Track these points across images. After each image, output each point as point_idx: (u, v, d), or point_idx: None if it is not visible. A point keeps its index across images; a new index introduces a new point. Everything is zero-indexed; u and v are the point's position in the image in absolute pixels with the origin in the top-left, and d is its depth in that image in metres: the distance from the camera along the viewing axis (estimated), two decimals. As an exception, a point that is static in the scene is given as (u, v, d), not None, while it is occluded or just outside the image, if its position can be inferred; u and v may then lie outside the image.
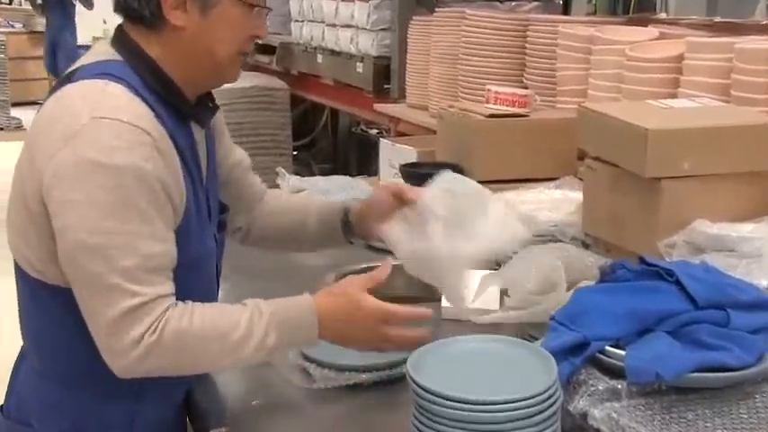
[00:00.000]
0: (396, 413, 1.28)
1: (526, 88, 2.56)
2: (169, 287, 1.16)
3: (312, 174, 4.85)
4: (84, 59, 1.24)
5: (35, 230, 1.18)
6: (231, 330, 1.16)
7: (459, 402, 1.02)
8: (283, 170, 2.46)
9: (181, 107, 1.23)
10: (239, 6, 1.23)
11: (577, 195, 1.95)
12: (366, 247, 2.09)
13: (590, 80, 2.36)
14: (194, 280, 1.24)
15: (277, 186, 2.43)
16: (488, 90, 2.31)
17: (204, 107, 1.31)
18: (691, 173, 1.61)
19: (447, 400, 1.03)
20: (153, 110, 1.17)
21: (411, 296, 1.95)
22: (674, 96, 2.04)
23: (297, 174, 2.71)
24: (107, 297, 1.11)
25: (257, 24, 1.26)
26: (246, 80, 4.79)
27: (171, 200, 1.17)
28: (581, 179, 2.01)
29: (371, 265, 1.98)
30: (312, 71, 4.45)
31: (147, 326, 1.12)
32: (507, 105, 2.27)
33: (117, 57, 1.22)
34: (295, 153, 5.30)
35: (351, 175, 2.86)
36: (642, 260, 1.33)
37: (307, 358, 1.40)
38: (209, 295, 1.30)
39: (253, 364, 1.25)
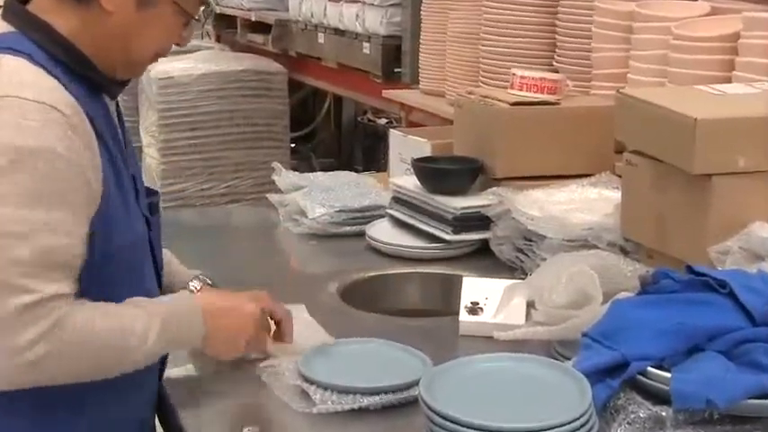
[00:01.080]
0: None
1: (556, 72, 2.55)
2: (67, 285, 1.18)
3: (312, 169, 4.85)
4: None
5: None
6: (127, 338, 1.22)
7: (479, 430, 1.01)
8: (279, 165, 2.46)
9: (91, 77, 1.26)
10: (178, 15, 1.30)
11: (615, 194, 1.94)
12: (370, 251, 2.10)
13: (630, 62, 2.35)
14: (124, 270, 1.27)
15: (273, 183, 2.43)
16: (513, 74, 2.30)
17: (113, 79, 1.33)
18: (746, 169, 1.60)
19: (464, 427, 1.02)
20: (60, 82, 1.20)
21: (426, 309, 1.96)
22: (727, 80, 2.03)
23: (295, 169, 2.71)
24: (2, 291, 1.13)
25: (186, 35, 1.35)
26: (238, 62, 4.81)
27: (87, 185, 1.20)
28: (619, 176, 2.00)
29: (377, 273, 2.01)
30: (312, 53, 4.46)
31: (44, 330, 1.14)
32: (535, 92, 2.26)
33: (10, 29, 1.25)
34: (293, 145, 5.31)
35: (356, 171, 2.86)
36: (690, 269, 1.32)
37: (306, 379, 1.40)
38: (143, 285, 1.32)
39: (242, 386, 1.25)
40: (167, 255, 1.53)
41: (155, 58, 1.33)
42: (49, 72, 1.20)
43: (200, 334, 1.32)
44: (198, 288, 1.52)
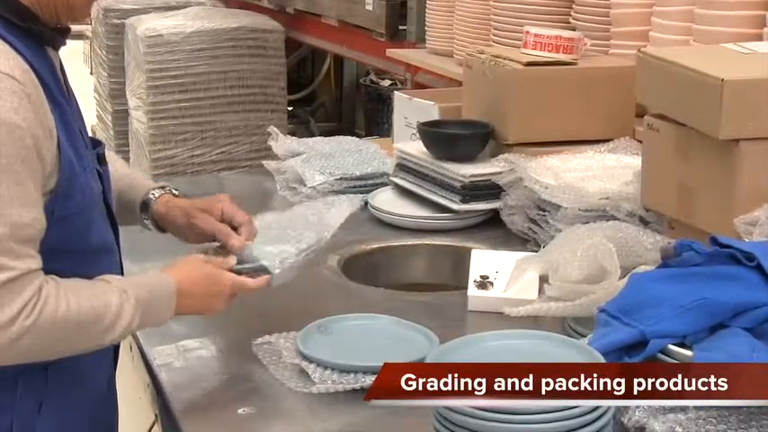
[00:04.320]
0: (411, 424, 1.28)
1: (573, 30, 2.53)
2: (38, 260, 1.21)
3: (311, 134, 4.85)
4: None
5: None
6: (104, 314, 1.26)
7: (488, 412, 1.02)
8: (276, 130, 2.46)
9: (34, 29, 1.26)
10: None
11: (635, 161, 1.94)
12: (373, 221, 2.10)
13: (652, 19, 2.33)
14: (85, 225, 1.30)
15: (269, 149, 2.43)
16: (527, 32, 2.29)
17: (57, 29, 1.33)
18: (776, 134, 1.60)
19: (474, 407, 1.02)
20: (6, 41, 1.20)
21: (433, 283, 1.96)
22: (757, 38, 2.02)
23: (292, 134, 2.72)
24: None
25: None
26: (232, 19, 4.78)
27: (42, 158, 1.21)
28: (640, 141, 1.99)
29: (381, 245, 2.01)
30: (312, 9, 4.43)
31: (21, 306, 1.18)
32: (550, 51, 2.24)
33: None
34: (291, 109, 5.30)
35: (358, 136, 2.85)
36: (714, 240, 1.32)
37: (305, 358, 1.41)
38: (103, 237, 1.36)
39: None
40: (125, 166, 1.57)
41: None
42: None
43: (171, 311, 1.35)
44: (157, 196, 1.53)
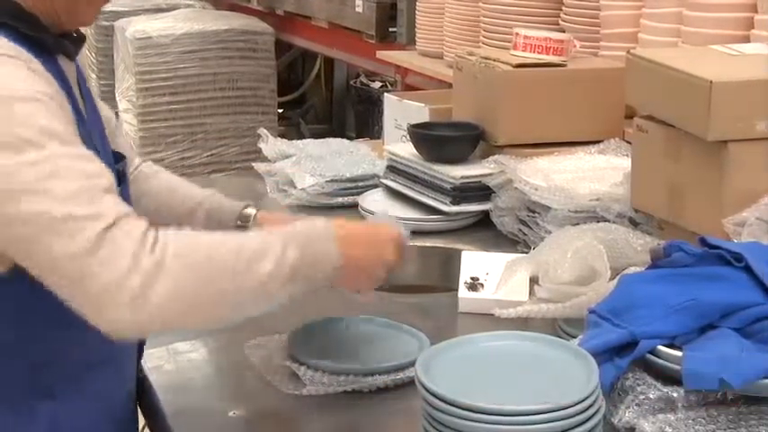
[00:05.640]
0: (401, 425, 1.28)
1: (563, 31, 2.54)
2: (129, 207, 1.11)
3: (301, 136, 4.85)
4: None
5: None
6: (244, 243, 1.13)
7: (478, 413, 1.02)
8: (266, 132, 2.46)
9: (44, 39, 1.22)
10: None
11: (625, 162, 1.94)
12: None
13: (641, 21, 2.34)
14: None
15: (259, 151, 2.43)
16: (516, 34, 2.29)
17: (69, 37, 1.30)
18: (765, 135, 1.60)
19: (463, 409, 1.03)
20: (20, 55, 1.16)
21: (423, 285, 1.96)
22: (745, 40, 2.03)
23: (283, 136, 2.71)
24: (62, 232, 1.04)
25: None
26: (222, 21, 4.78)
27: (72, 121, 1.15)
28: (629, 142, 2.00)
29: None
30: (301, 11, 4.43)
31: (137, 247, 1.04)
32: (539, 52, 2.25)
33: None
34: (281, 111, 5.30)
35: (348, 138, 2.86)
36: (703, 241, 1.32)
37: (295, 360, 1.41)
38: None
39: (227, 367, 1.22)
40: (207, 191, 1.52)
41: (103, 2, 1.28)
42: None
43: (334, 262, 1.22)
44: (255, 213, 1.49)
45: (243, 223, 1.49)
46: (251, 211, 1.51)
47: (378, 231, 1.35)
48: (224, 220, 1.49)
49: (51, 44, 1.24)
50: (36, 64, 1.16)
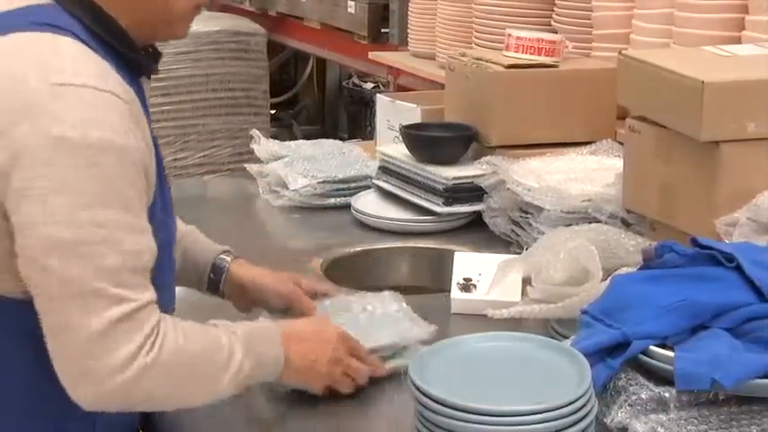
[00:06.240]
0: (393, 424, 1.28)
1: (555, 32, 2.54)
2: (153, 292, 1.14)
3: (294, 137, 4.83)
4: None
5: None
6: (216, 350, 1.19)
7: (471, 413, 1.02)
8: (259, 133, 2.45)
9: (133, 57, 1.22)
10: None
11: (617, 163, 1.95)
12: (356, 224, 2.11)
13: (633, 22, 2.34)
14: (158, 273, 1.20)
15: (252, 152, 2.42)
16: (509, 35, 2.29)
17: (148, 54, 1.29)
18: (756, 135, 1.60)
19: (456, 410, 1.03)
20: (109, 64, 1.16)
21: (416, 286, 1.96)
22: (737, 41, 2.03)
23: (275, 137, 2.70)
24: (87, 306, 1.08)
25: None
26: (214, 22, 4.76)
27: (147, 179, 1.16)
28: (621, 143, 2.00)
29: (364, 248, 2.01)
30: (294, 12, 4.43)
31: (142, 341, 1.10)
32: (532, 53, 2.25)
33: (46, 0, 1.19)
34: (273, 112, 5.29)
35: (341, 139, 2.85)
36: (695, 242, 1.33)
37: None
38: (166, 280, 1.28)
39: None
40: (188, 227, 1.53)
41: (197, 10, 1.26)
42: (96, 53, 1.15)
43: (279, 356, 1.26)
44: (229, 260, 1.51)
45: (215, 277, 1.51)
46: (224, 263, 1.51)
47: (324, 329, 1.34)
48: (200, 265, 1.51)
49: (144, 65, 1.23)
50: (136, 106, 1.15)
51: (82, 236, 1.08)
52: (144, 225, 1.14)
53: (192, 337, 1.17)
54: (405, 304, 1.52)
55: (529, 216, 1.89)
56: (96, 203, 1.08)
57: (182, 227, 1.50)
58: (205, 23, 4.75)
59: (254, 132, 2.46)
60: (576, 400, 1.04)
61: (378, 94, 2.85)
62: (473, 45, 2.88)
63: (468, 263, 1.71)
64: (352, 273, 1.95)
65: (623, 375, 1.18)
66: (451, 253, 1.80)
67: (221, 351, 1.18)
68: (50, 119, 1.08)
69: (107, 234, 1.08)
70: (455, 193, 2.06)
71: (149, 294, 1.13)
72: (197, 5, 1.26)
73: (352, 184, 2.26)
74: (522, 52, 2.24)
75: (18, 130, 1.08)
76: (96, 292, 1.08)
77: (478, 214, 2.05)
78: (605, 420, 1.16)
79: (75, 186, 1.08)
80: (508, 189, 1.93)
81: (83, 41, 1.15)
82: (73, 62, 1.12)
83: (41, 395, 1.19)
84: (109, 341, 1.08)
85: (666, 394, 1.14)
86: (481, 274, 1.67)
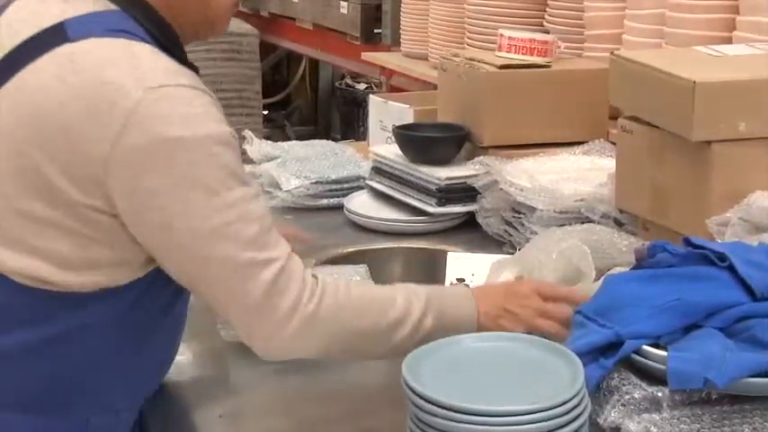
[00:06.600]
0: (386, 418, 1.28)
1: (547, 33, 2.54)
2: (285, 240, 1.23)
3: (287, 138, 4.83)
4: (59, 10, 1.21)
5: (65, 231, 1.18)
6: (389, 305, 1.26)
7: (465, 413, 1.02)
8: (251, 134, 2.45)
9: (179, 55, 1.26)
10: None
11: (609, 163, 1.95)
12: (349, 224, 2.11)
13: (625, 22, 2.35)
14: None
15: (244, 153, 2.42)
16: (501, 35, 2.30)
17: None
18: (748, 135, 1.61)
19: (449, 410, 1.03)
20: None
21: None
22: (728, 41, 2.04)
23: (268, 138, 2.70)
24: (245, 276, 1.18)
25: None
26: (206, 24, 4.76)
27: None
28: (613, 143, 2.00)
29: (357, 249, 2.01)
30: (286, 12, 4.43)
31: (298, 292, 1.19)
32: (524, 53, 2.25)
33: (110, 6, 1.23)
34: (266, 113, 5.29)
35: (334, 140, 2.85)
36: (687, 241, 1.33)
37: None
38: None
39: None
40: None
41: (234, 8, 1.33)
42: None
43: (472, 307, 1.32)
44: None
45: None
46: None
47: (513, 283, 1.43)
48: None
49: (185, 62, 1.26)
50: (215, 98, 1.22)
51: (222, 219, 1.17)
52: (257, 190, 1.27)
53: (358, 289, 1.27)
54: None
55: (522, 216, 1.89)
56: (222, 188, 1.17)
57: None
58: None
59: (247, 133, 2.45)
60: (570, 400, 1.04)
61: (370, 95, 2.85)
62: (465, 45, 2.88)
63: (461, 263, 1.72)
64: (346, 273, 1.94)
65: (616, 375, 1.19)
66: (445, 253, 1.80)
67: (393, 306, 1.25)
68: (158, 121, 1.14)
69: (240, 211, 1.18)
70: (448, 194, 2.06)
71: (285, 245, 1.22)
72: (235, 2, 1.33)
73: (345, 185, 2.26)
74: (515, 52, 2.25)
75: (127, 138, 1.13)
76: (249, 262, 1.18)
77: (471, 215, 2.05)
78: (598, 420, 1.16)
79: (201, 179, 1.16)
80: (501, 189, 1.94)
81: (151, 44, 1.21)
82: (155, 64, 1.18)
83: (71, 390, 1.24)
84: (271, 300, 1.18)
85: (659, 394, 1.15)
86: (474, 275, 1.67)
